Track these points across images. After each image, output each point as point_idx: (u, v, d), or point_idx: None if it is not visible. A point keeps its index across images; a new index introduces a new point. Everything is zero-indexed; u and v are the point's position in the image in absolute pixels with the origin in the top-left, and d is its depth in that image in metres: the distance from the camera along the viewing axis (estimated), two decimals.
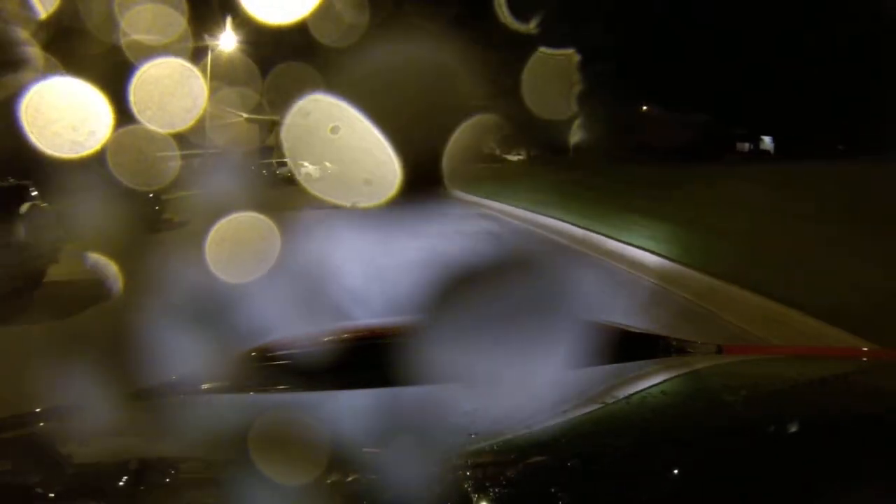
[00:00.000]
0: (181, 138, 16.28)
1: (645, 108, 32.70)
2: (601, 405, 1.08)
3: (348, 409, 1.18)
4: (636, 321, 2.48)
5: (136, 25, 14.79)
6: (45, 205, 7.36)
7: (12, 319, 5.25)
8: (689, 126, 30.85)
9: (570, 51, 19.44)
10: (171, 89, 14.49)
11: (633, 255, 7.19)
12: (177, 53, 15.69)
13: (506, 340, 0.95)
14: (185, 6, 15.33)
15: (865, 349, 2.71)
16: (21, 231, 6.42)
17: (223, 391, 1.30)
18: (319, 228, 10.05)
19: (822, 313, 4.14)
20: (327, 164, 21.16)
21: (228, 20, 23.03)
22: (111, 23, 14.06)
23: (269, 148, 28.82)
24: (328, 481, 0.72)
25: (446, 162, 12.92)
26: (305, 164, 21.40)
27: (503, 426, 0.91)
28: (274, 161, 24.90)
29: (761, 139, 32.71)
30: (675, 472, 0.73)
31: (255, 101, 22.76)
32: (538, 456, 0.79)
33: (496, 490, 0.70)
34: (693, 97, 27.53)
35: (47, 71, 12.17)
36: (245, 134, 25.39)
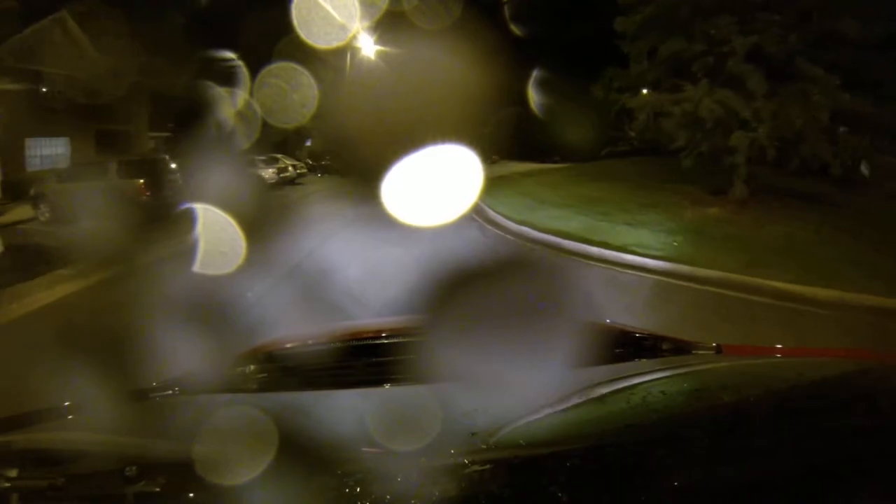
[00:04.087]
0: None
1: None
2: (601, 405, 1.08)
3: (348, 409, 1.18)
4: None
5: None
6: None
7: None
8: None
9: None
10: None
11: None
12: None
13: (506, 340, 0.95)
14: None
15: (865, 350, 2.71)
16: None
17: (223, 391, 1.30)
18: None
19: None
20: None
21: None
22: None
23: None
24: (328, 481, 0.72)
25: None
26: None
27: (503, 426, 0.91)
28: None
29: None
30: (675, 471, 0.73)
31: None
32: (538, 455, 0.79)
33: (496, 490, 0.69)
34: None
35: None
36: None
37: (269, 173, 18.24)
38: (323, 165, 26.15)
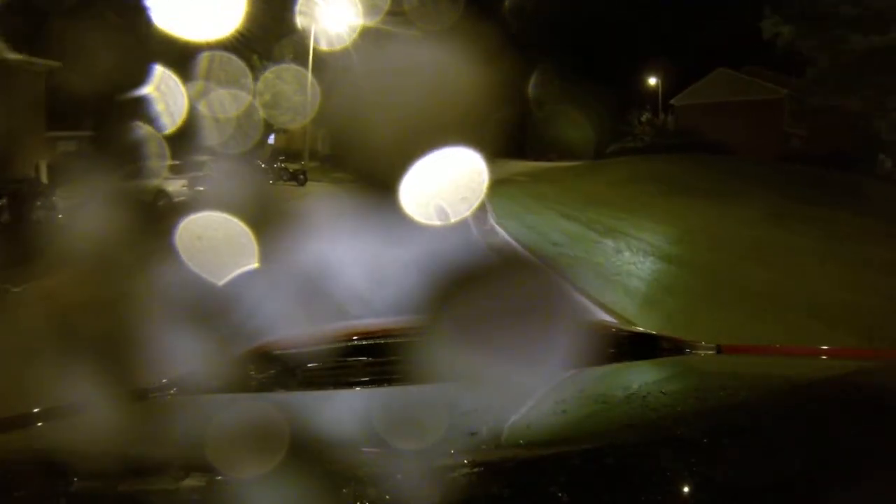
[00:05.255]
0: None
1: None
2: (601, 405, 1.08)
3: (348, 409, 1.18)
4: None
5: None
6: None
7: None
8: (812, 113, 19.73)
9: None
10: None
11: None
12: None
13: (506, 340, 0.95)
14: None
15: (866, 349, 2.71)
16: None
17: (223, 391, 1.30)
18: None
19: None
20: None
21: None
22: None
23: None
24: (328, 481, 0.72)
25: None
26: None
27: (503, 426, 0.91)
28: None
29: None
30: (676, 472, 0.73)
31: None
32: (538, 456, 0.79)
33: (496, 490, 0.70)
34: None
35: None
36: None
37: (177, 186, 13.04)
38: (278, 169, 19.77)
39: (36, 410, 1.16)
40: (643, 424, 0.89)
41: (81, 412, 1.18)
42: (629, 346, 1.46)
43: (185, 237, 6.02)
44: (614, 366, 1.29)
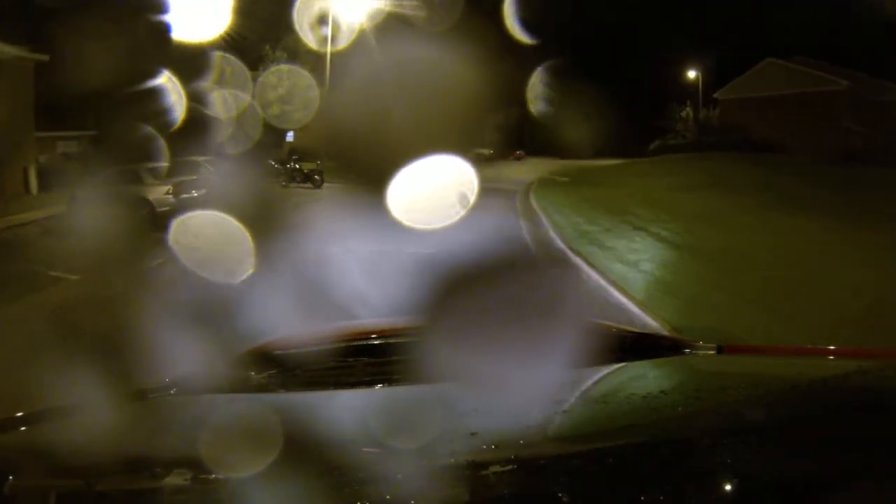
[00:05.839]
0: None
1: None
2: (602, 405, 1.08)
3: (348, 409, 1.18)
4: None
5: None
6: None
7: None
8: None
9: None
10: None
11: None
12: None
13: (506, 340, 0.95)
14: None
15: (866, 349, 2.71)
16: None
17: (223, 391, 1.30)
18: None
19: None
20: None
21: None
22: None
23: None
24: (328, 481, 0.72)
25: None
26: None
27: (503, 426, 0.91)
28: None
29: None
30: (676, 472, 0.73)
31: None
32: (538, 456, 0.79)
33: (496, 490, 0.70)
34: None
35: None
36: None
37: (162, 193, 10.80)
38: (290, 170, 17.08)
39: (36, 410, 1.16)
40: (643, 424, 0.89)
41: (81, 412, 1.18)
42: (629, 346, 1.46)
43: (143, 274, 4.29)
44: (614, 366, 1.29)
